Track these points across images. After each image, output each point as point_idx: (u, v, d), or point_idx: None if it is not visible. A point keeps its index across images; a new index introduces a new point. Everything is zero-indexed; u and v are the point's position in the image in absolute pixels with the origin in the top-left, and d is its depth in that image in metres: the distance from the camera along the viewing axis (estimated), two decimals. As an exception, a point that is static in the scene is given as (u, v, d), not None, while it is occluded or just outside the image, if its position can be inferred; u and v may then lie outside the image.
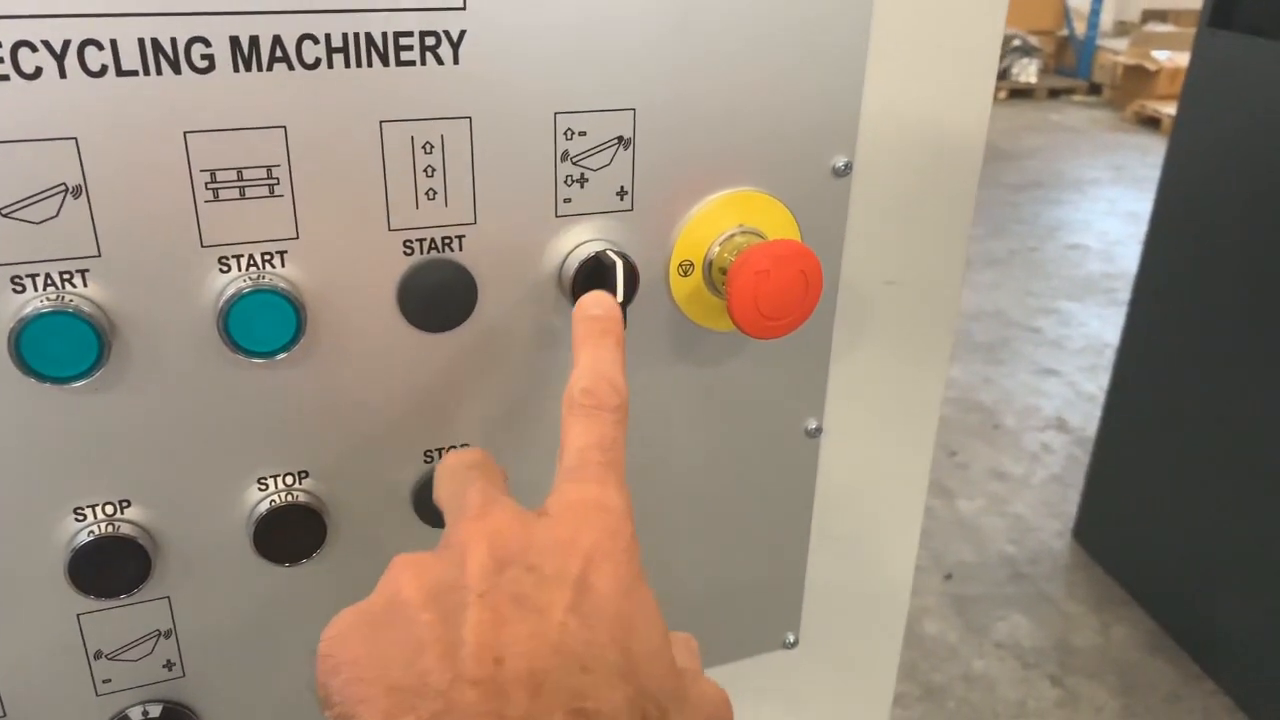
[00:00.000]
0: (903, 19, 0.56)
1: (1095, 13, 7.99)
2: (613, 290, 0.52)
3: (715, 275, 0.56)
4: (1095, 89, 7.93)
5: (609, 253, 0.52)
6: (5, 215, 0.44)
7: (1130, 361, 2.45)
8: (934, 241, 0.64)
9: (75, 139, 0.43)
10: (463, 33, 0.48)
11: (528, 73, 0.50)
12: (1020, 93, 7.68)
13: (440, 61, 0.48)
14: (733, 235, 0.55)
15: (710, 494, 0.64)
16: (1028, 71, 7.61)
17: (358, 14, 0.46)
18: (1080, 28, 8.15)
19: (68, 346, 0.45)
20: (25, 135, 0.43)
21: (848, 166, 0.58)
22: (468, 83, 0.49)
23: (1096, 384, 3.49)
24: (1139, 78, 7.26)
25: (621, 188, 0.54)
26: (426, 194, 0.50)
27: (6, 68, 0.42)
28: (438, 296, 0.51)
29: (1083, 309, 4.23)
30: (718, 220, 0.55)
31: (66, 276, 0.45)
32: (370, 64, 0.47)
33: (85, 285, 0.46)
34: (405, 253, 0.51)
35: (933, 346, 0.67)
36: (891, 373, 0.66)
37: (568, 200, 0.53)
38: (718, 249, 0.55)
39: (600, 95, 0.51)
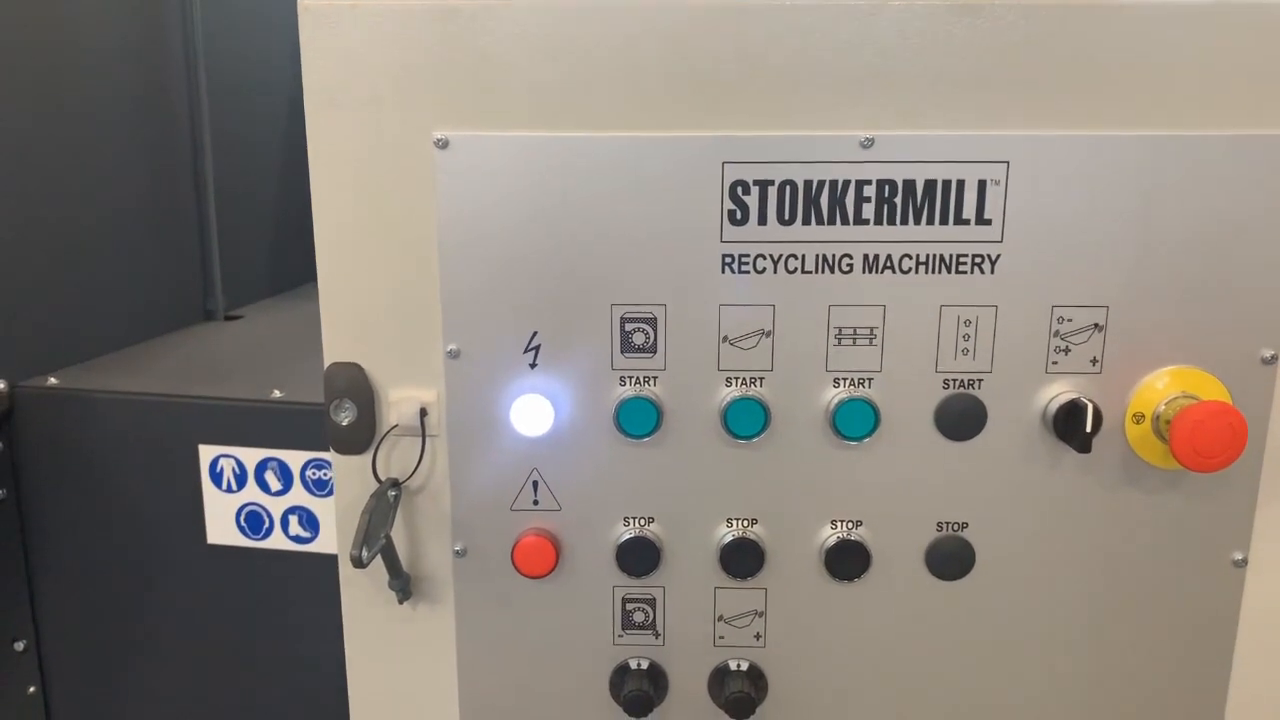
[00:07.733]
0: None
1: None
2: (1084, 427, 0.76)
3: (1161, 426, 0.78)
4: None
5: (1082, 399, 0.78)
6: (729, 342, 0.80)
7: None
8: (1356, 423, 0.80)
9: (773, 305, 0.79)
10: (998, 256, 0.78)
11: (1036, 280, 0.78)
12: None
13: (983, 272, 0.78)
14: (1176, 398, 0.78)
15: (1148, 601, 0.84)
16: None
17: (934, 243, 0.78)
18: None
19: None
20: (749, 301, 0.80)
21: (1274, 357, 0.78)
22: (998, 285, 0.78)
23: None
24: None
25: (1094, 358, 0.79)
26: (963, 350, 0.80)
27: (760, 264, 0.79)
28: (961, 417, 0.80)
29: None
30: (1167, 386, 0.78)
31: (754, 378, 0.81)
32: (939, 272, 0.78)
33: (760, 386, 0.81)
34: (944, 387, 0.80)
35: (1354, 507, 0.82)
36: (1314, 524, 0.82)
37: (1055, 362, 0.79)
38: (1164, 407, 0.78)
39: (1084, 295, 0.78)
